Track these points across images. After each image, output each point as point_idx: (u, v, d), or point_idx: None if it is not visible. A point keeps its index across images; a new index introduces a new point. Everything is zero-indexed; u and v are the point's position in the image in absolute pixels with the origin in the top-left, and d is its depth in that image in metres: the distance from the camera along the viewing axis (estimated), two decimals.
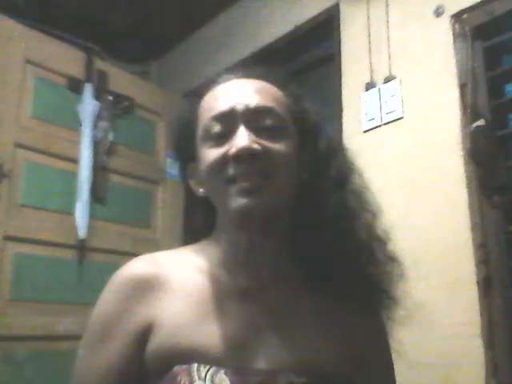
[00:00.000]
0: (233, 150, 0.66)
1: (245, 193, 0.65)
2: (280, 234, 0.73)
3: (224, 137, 0.69)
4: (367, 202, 0.74)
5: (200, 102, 0.75)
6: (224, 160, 0.67)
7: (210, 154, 0.69)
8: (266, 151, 0.67)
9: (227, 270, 0.72)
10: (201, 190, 0.75)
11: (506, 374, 1.28)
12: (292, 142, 0.71)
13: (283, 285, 0.72)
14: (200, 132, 0.72)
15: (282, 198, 0.69)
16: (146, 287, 0.69)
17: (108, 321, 0.69)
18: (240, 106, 0.69)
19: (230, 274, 0.72)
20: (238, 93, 0.71)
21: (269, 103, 0.71)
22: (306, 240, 0.73)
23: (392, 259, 0.73)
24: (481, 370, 1.29)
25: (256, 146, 0.66)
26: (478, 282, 1.35)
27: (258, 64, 0.79)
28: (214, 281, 0.71)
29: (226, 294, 0.70)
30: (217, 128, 0.69)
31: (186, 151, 0.78)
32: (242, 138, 0.66)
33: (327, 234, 0.71)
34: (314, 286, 0.72)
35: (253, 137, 0.67)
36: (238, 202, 0.65)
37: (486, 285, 1.33)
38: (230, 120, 0.69)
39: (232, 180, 0.66)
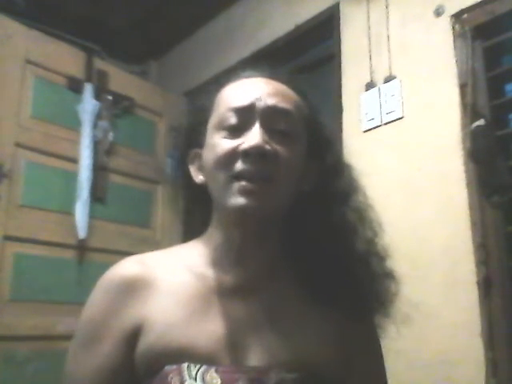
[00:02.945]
0: (244, 146, 0.66)
1: (245, 192, 0.65)
2: (274, 237, 0.74)
3: (238, 130, 0.69)
4: (368, 219, 0.75)
5: (219, 90, 0.76)
6: (234, 154, 0.67)
7: (221, 144, 0.69)
8: (274, 154, 0.67)
9: (218, 269, 0.72)
10: (200, 178, 0.75)
11: (506, 374, 1.27)
12: (301, 151, 0.72)
13: (274, 285, 0.72)
14: (214, 120, 0.73)
15: (279, 203, 0.70)
16: (133, 288, 0.69)
17: (97, 323, 0.69)
18: (260, 104, 0.69)
19: (221, 272, 0.72)
20: (261, 91, 0.71)
21: (288, 106, 0.71)
22: (300, 245, 0.74)
23: (388, 275, 0.74)
24: (481, 369, 1.29)
25: (267, 146, 0.67)
26: (477, 282, 1.34)
27: (280, 67, 0.79)
28: (204, 279, 0.71)
29: (216, 293, 0.70)
30: (233, 120, 0.70)
31: (192, 136, 0.78)
32: (256, 135, 0.67)
33: (322, 242, 0.72)
34: (305, 288, 0.72)
35: (266, 137, 0.67)
36: (237, 200, 0.65)
37: (485, 285, 1.33)
38: (247, 115, 0.69)
39: (236, 177, 0.66)
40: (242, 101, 0.70)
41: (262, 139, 0.66)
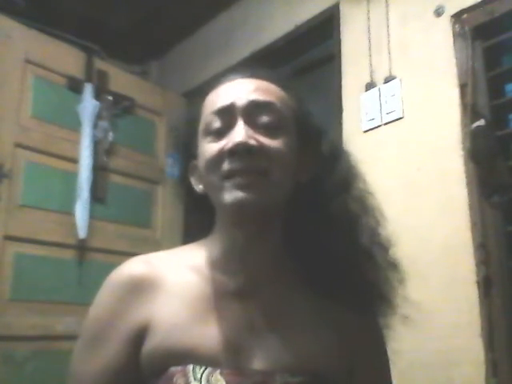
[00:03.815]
0: (229, 145, 0.66)
1: (240, 187, 0.65)
2: (276, 233, 0.73)
3: (223, 132, 0.69)
4: (370, 208, 0.74)
5: (204, 98, 0.76)
6: (220, 155, 0.67)
7: (209, 148, 0.69)
8: (262, 147, 0.67)
9: (222, 270, 0.72)
10: (200, 187, 0.75)
11: (506, 374, 1.27)
12: (291, 141, 0.71)
13: (279, 284, 0.72)
14: (201, 127, 0.73)
15: (277, 196, 0.69)
16: (140, 288, 0.69)
17: (103, 323, 0.68)
18: (240, 101, 0.69)
19: (226, 273, 0.72)
20: (240, 89, 0.71)
21: (269, 99, 0.71)
22: (303, 240, 0.73)
23: (393, 265, 0.73)
24: (481, 369, 1.29)
25: (252, 141, 0.66)
26: (478, 282, 1.34)
27: (263, 65, 0.79)
28: (209, 281, 0.71)
29: (221, 294, 0.70)
30: (217, 123, 0.70)
31: (188, 148, 0.78)
32: (239, 133, 0.66)
33: (326, 235, 0.71)
34: (309, 285, 0.72)
35: (250, 132, 0.67)
36: (233, 196, 0.65)
37: (485, 285, 1.33)
38: (229, 115, 0.69)
39: (227, 176, 0.66)
40: (222, 102, 0.70)
41: (246, 135, 0.66)
